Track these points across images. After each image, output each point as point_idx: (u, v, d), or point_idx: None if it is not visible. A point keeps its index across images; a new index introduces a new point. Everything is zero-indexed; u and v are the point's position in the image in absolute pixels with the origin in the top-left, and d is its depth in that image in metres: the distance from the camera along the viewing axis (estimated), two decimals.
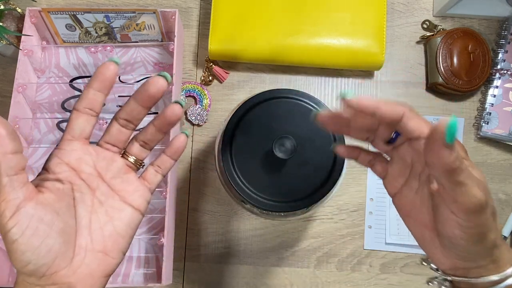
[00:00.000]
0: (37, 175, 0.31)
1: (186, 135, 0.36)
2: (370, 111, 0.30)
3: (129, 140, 0.35)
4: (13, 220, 0.27)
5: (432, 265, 0.35)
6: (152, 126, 0.34)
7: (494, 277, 0.31)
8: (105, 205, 0.33)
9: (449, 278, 0.33)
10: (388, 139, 0.34)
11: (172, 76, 0.57)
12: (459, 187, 0.28)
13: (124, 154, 0.34)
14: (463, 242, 0.30)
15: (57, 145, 0.32)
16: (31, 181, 0.30)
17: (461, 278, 0.32)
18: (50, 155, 0.32)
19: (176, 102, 0.33)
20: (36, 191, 0.29)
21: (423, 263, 0.37)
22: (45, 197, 0.29)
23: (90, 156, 0.32)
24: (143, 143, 0.35)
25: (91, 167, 0.32)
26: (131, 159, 0.34)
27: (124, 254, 0.34)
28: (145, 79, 0.63)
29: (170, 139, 0.56)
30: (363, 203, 0.62)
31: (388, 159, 0.36)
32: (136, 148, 0.34)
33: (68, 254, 0.30)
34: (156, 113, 0.62)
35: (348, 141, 0.41)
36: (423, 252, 0.60)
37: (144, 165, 0.36)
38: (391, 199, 0.36)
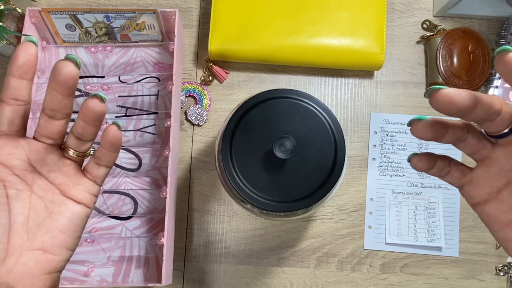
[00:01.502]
0: None
1: (118, 125, 0.32)
2: (469, 101, 0.26)
3: (66, 132, 0.32)
4: None
5: None
6: (79, 119, 0.31)
7: None
8: (44, 200, 0.31)
9: None
10: (501, 132, 0.28)
11: (172, 76, 0.57)
12: None
13: (64, 147, 0.32)
14: None
15: None
16: None
17: None
18: None
19: (95, 95, 0.30)
20: None
21: (502, 273, 0.33)
22: None
23: (23, 150, 0.30)
24: (78, 135, 0.31)
25: (25, 161, 0.30)
26: (70, 151, 0.32)
27: (72, 250, 0.32)
28: (146, 79, 0.63)
29: (170, 139, 0.56)
30: (363, 203, 0.62)
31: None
32: (72, 140, 0.32)
33: (0, 254, 0.29)
34: (156, 113, 0.62)
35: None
36: (423, 252, 0.60)
37: (88, 156, 0.33)
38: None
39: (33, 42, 0.28)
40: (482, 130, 0.30)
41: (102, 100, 0.30)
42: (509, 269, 0.34)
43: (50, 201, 0.31)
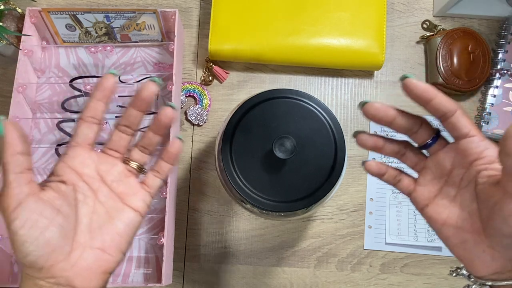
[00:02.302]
0: (45, 178, 0.34)
1: (181, 139, 0.38)
2: (427, 97, 0.32)
3: (130, 146, 0.37)
4: (16, 213, 0.30)
5: (463, 272, 0.34)
6: (149, 131, 0.37)
7: None
8: (106, 206, 0.35)
9: (488, 283, 0.32)
10: (425, 142, 0.34)
11: (172, 76, 0.57)
12: None
13: (126, 160, 0.37)
14: None
15: (65, 150, 0.35)
16: (39, 183, 0.33)
17: (504, 281, 0.31)
18: (57, 160, 0.35)
19: (168, 105, 0.35)
20: (40, 189, 0.32)
21: (454, 274, 0.35)
22: (47, 194, 0.32)
23: (93, 161, 0.35)
24: (142, 148, 0.37)
25: (93, 170, 0.35)
26: (133, 164, 0.37)
27: (124, 254, 0.36)
28: (146, 79, 0.63)
29: (170, 139, 0.56)
30: (363, 203, 0.62)
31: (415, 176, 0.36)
32: (136, 153, 0.37)
33: (65, 248, 0.32)
34: (155, 113, 0.62)
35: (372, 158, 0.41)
36: (423, 252, 0.60)
37: (145, 170, 0.38)
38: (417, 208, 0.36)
39: (114, 74, 0.34)
40: (416, 144, 0.36)
41: (173, 108, 0.35)
42: (460, 270, 0.35)
43: (111, 207, 0.35)
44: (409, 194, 0.36)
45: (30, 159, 0.32)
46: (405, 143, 0.36)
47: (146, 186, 0.37)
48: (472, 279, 0.33)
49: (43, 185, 0.33)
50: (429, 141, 0.34)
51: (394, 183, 0.37)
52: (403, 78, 0.32)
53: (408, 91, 0.33)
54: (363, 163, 0.37)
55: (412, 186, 0.36)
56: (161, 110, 0.35)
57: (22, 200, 0.30)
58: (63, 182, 0.33)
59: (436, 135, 0.34)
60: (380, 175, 0.37)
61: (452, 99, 0.32)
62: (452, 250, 0.34)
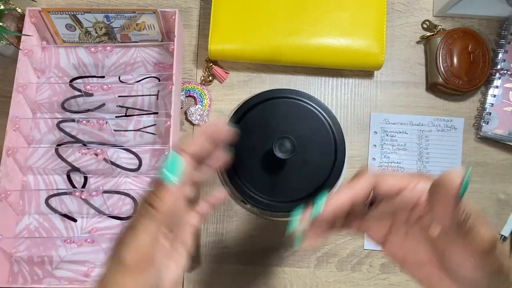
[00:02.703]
0: None
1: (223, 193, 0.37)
2: (347, 207, 0.31)
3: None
4: (143, 277, 0.28)
5: None
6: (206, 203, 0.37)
7: None
8: (174, 251, 0.34)
9: None
10: (363, 211, 0.34)
11: (172, 76, 0.57)
12: (469, 233, 0.27)
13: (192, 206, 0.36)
14: (485, 280, 0.29)
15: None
16: None
17: None
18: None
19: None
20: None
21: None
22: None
23: (179, 204, 0.33)
24: (211, 205, 0.37)
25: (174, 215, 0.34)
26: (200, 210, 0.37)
27: None
28: (145, 79, 0.63)
29: (170, 139, 0.56)
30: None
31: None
32: (204, 206, 0.37)
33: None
34: (156, 113, 0.62)
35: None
36: None
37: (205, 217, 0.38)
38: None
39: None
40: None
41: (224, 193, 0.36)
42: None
43: (178, 254, 0.34)
44: (364, 232, 0.35)
45: (182, 216, 0.32)
46: (346, 215, 0.34)
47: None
48: None
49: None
50: (366, 208, 0.33)
51: (346, 229, 0.36)
52: (314, 216, 0.32)
53: (325, 217, 0.31)
54: (296, 244, 0.34)
55: (363, 228, 0.35)
56: (213, 192, 0.35)
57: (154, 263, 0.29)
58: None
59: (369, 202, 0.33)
60: (325, 235, 0.35)
61: (360, 175, 0.31)
62: (420, 285, 0.33)
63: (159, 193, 0.28)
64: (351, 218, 0.35)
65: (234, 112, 0.46)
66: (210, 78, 0.64)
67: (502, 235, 0.61)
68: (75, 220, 0.58)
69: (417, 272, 0.32)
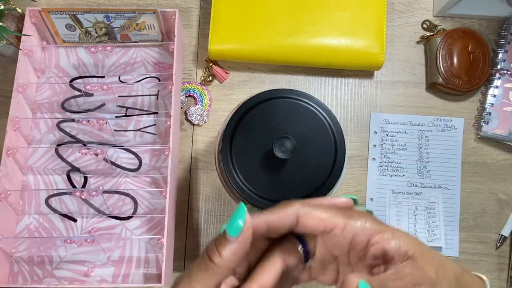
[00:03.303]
0: None
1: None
2: (264, 232, 0.29)
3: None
4: None
5: None
6: None
7: None
8: None
9: None
10: (302, 258, 0.31)
11: (172, 76, 0.57)
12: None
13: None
14: None
15: None
16: None
17: None
18: None
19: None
20: None
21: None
22: None
23: None
24: None
25: None
26: None
27: None
28: (145, 79, 0.63)
29: (170, 139, 0.56)
30: (363, 203, 0.62)
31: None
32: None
33: None
34: (156, 113, 0.62)
35: None
36: None
37: None
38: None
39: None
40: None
41: None
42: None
43: None
44: (314, 281, 0.33)
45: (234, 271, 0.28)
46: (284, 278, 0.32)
47: None
48: None
49: None
50: (303, 255, 0.31)
51: (295, 284, 0.33)
52: (229, 233, 0.28)
53: (238, 240, 0.28)
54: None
55: (313, 275, 0.33)
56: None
57: None
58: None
59: (302, 245, 0.31)
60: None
61: (281, 208, 0.29)
62: None
63: (218, 245, 0.26)
64: (291, 279, 0.33)
65: (234, 112, 0.46)
66: (210, 78, 0.64)
67: (502, 235, 0.61)
68: (75, 220, 0.58)
69: None
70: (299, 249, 0.31)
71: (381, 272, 0.28)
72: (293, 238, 0.31)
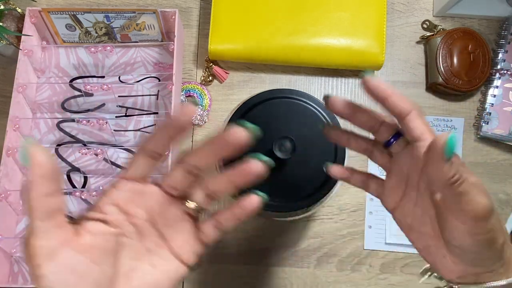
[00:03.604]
0: (85, 212, 0.28)
1: (260, 196, 0.31)
2: (383, 96, 0.31)
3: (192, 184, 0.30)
4: (43, 269, 0.24)
5: (435, 275, 0.34)
6: (225, 177, 0.30)
7: (503, 282, 0.30)
8: (152, 253, 0.30)
9: (455, 286, 0.32)
10: (386, 140, 0.34)
11: (172, 76, 0.57)
12: (463, 197, 0.28)
13: (184, 198, 0.30)
14: (475, 248, 0.29)
15: (114, 180, 0.29)
16: (75, 220, 0.27)
17: (469, 285, 0.31)
18: (103, 192, 0.29)
19: (256, 158, 0.29)
20: (75, 234, 0.26)
21: (425, 275, 0.35)
22: (84, 242, 0.26)
23: (146, 200, 0.29)
24: (212, 194, 0.30)
25: (145, 212, 0.29)
26: (191, 204, 0.30)
27: None
28: (145, 79, 0.63)
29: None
30: (363, 203, 0.62)
31: (383, 177, 0.36)
32: (200, 196, 0.30)
33: None
34: (156, 113, 0.62)
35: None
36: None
37: (203, 214, 0.31)
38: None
39: (194, 103, 0.29)
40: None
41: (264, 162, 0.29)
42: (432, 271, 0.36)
43: (156, 256, 0.30)
44: (379, 197, 0.36)
45: (61, 198, 0.25)
46: (372, 141, 0.35)
47: (202, 234, 0.31)
48: (443, 281, 0.33)
49: (79, 224, 0.27)
50: (390, 139, 0.33)
51: (363, 188, 0.36)
52: (362, 76, 0.31)
53: (366, 88, 0.32)
54: (326, 166, 0.37)
55: (381, 189, 0.35)
56: (248, 162, 0.29)
57: (51, 253, 0.25)
58: (105, 222, 0.28)
59: (397, 133, 0.33)
60: (345, 179, 0.37)
61: (409, 100, 0.31)
62: (420, 254, 0.34)
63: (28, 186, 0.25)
64: (371, 177, 0.36)
65: (234, 112, 0.46)
66: (210, 78, 0.64)
67: None
68: None
69: (418, 241, 0.33)
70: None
71: (438, 198, 0.30)
72: (395, 125, 0.33)
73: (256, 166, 0.29)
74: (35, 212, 0.24)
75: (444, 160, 0.27)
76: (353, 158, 0.63)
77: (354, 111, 0.34)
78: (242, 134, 0.28)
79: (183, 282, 0.59)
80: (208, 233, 0.31)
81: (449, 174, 0.27)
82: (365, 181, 0.36)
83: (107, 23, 0.60)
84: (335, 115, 0.46)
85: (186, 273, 0.31)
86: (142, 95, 0.63)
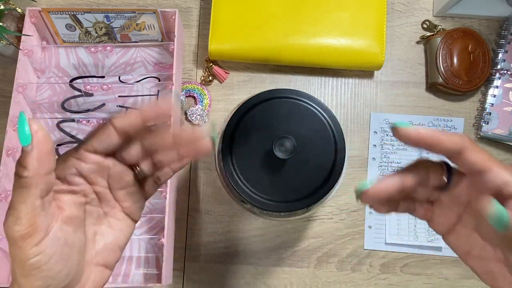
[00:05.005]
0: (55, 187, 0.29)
1: (213, 139, 0.31)
2: (429, 142, 0.29)
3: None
4: (40, 246, 0.26)
5: None
6: (173, 152, 0.31)
7: None
8: (108, 216, 0.32)
9: None
10: (441, 185, 0.31)
11: (172, 76, 0.57)
12: None
13: (134, 165, 0.32)
14: None
15: (74, 152, 0.29)
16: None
17: None
18: (65, 161, 0.29)
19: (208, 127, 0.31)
20: (58, 207, 0.28)
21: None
22: (67, 214, 0.28)
23: (107, 170, 0.31)
24: (157, 163, 0.32)
25: (106, 180, 0.31)
26: (139, 171, 0.32)
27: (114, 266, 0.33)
28: (145, 79, 0.63)
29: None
30: (363, 203, 0.62)
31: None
32: (147, 164, 0.32)
33: (80, 273, 0.29)
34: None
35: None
36: (423, 252, 0.60)
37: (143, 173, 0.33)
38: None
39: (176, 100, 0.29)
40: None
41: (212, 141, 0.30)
42: None
43: (113, 217, 0.32)
44: (427, 221, 0.33)
45: (53, 175, 0.27)
46: (410, 198, 0.33)
47: (144, 192, 0.33)
48: None
49: (54, 198, 0.28)
50: (444, 183, 0.31)
51: (409, 212, 0.34)
52: (394, 127, 0.29)
53: (406, 139, 0.29)
54: (358, 194, 0.32)
55: (429, 214, 0.33)
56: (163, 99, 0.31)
57: (48, 230, 0.26)
58: (74, 192, 0.29)
59: (449, 173, 0.31)
60: (391, 212, 0.33)
61: (456, 134, 0.29)
62: (480, 279, 0.32)
63: (21, 161, 0.26)
64: (415, 201, 0.33)
65: (234, 112, 0.46)
66: (210, 78, 0.64)
67: None
68: None
69: (479, 266, 0.31)
70: (444, 171, 0.31)
71: None
72: (441, 162, 0.31)
73: (206, 144, 0.30)
74: (35, 189, 0.25)
75: (499, 231, 0.26)
76: (353, 158, 0.63)
77: (399, 185, 0.30)
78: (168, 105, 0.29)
79: (183, 282, 0.59)
80: (149, 189, 0.33)
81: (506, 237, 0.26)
82: (410, 206, 0.33)
83: (107, 23, 0.60)
84: (338, 121, 0.46)
85: (134, 229, 0.33)
86: (142, 95, 0.63)
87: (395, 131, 0.29)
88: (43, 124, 0.26)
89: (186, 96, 0.64)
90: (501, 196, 0.27)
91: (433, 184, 0.31)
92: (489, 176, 0.28)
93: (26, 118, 0.25)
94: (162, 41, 0.64)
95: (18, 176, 0.26)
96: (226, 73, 0.64)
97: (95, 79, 0.63)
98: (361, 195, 0.31)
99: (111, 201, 0.32)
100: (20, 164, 0.25)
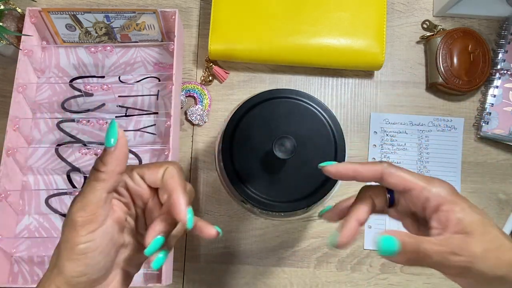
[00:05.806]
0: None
1: (219, 232, 0.35)
2: (351, 176, 0.34)
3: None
4: (93, 235, 0.30)
5: None
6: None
7: None
8: (139, 234, 0.35)
9: None
10: (387, 203, 0.36)
11: (172, 76, 0.57)
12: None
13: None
14: None
15: (128, 169, 0.33)
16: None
17: None
18: (119, 171, 0.32)
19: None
20: (112, 208, 0.32)
21: None
22: (117, 216, 0.32)
23: (146, 198, 0.34)
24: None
25: (143, 207, 0.35)
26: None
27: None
28: (145, 79, 0.63)
29: (170, 139, 0.56)
30: None
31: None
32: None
33: (109, 271, 0.33)
34: (156, 113, 0.62)
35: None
36: None
37: None
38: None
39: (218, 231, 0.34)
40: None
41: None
42: None
43: (143, 237, 0.34)
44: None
45: (122, 175, 0.32)
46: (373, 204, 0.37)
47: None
48: None
49: (109, 198, 0.32)
50: (388, 202, 0.35)
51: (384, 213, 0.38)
52: (320, 167, 0.35)
53: (331, 175, 0.35)
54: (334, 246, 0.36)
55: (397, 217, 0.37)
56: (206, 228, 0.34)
57: (103, 220, 0.30)
58: (121, 201, 0.34)
59: (390, 193, 0.35)
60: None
61: (372, 163, 0.34)
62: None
63: (102, 158, 0.30)
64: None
65: (234, 112, 0.46)
66: (210, 78, 0.64)
67: None
68: None
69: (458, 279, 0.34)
70: (386, 195, 0.35)
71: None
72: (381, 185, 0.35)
73: (214, 232, 0.34)
74: (106, 184, 0.30)
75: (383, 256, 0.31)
76: (353, 158, 0.63)
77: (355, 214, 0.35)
78: (212, 232, 0.34)
79: (183, 282, 0.59)
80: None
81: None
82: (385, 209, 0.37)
83: (107, 23, 0.60)
84: (338, 121, 0.46)
85: None
86: (142, 95, 0.63)
87: (321, 170, 0.35)
88: (123, 133, 0.31)
89: (186, 96, 0.64)
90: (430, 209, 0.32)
91: (379, 207, 0.36)
92: (412, 195, 0.33)
93: (117, 124, 0.30)
94: (162, 41, 0.64)
95: (95, 170, 0.30)
96: (226, 73, 0.64)
97: (95, 79, 0.63)
98: (337, 247, 0.34)
99: (143, 223, 0.36)
100: (101, 160, 0.30)
